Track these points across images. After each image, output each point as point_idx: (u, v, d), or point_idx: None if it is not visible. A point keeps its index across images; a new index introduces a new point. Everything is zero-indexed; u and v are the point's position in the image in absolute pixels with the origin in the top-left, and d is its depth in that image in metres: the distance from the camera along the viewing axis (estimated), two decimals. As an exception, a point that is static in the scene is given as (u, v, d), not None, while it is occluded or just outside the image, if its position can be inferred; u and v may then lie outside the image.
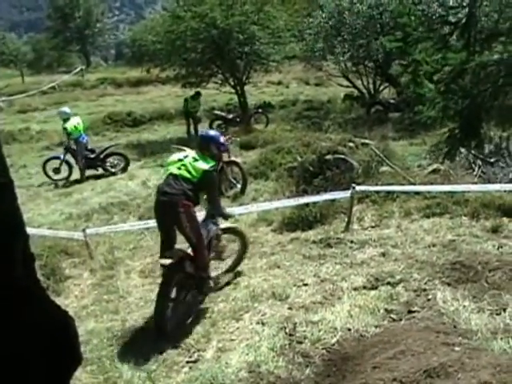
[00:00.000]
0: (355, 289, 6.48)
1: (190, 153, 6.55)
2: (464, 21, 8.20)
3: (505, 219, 8.05)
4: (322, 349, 5.30)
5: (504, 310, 5.52)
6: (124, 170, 15.33)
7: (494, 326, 5.22)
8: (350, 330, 5.55)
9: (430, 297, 6.02)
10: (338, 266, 7.23)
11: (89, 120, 21.88)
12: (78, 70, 39.39)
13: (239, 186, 11.56)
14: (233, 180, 11.64)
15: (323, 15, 20.86)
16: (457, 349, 4.66)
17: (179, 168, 6.35)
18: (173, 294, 6.20)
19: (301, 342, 5.48)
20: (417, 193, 9.22)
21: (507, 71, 7.40)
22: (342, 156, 10.62)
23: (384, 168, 10.41)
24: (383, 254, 7.41)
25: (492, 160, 10.21)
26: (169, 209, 6.20)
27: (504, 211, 8.24)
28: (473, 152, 9.91)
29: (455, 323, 5.37)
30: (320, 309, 6.10)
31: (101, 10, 60.25)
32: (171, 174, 6.36)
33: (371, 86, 22.58)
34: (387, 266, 6.97)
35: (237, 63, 21.01)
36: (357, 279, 6.72)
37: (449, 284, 6.24)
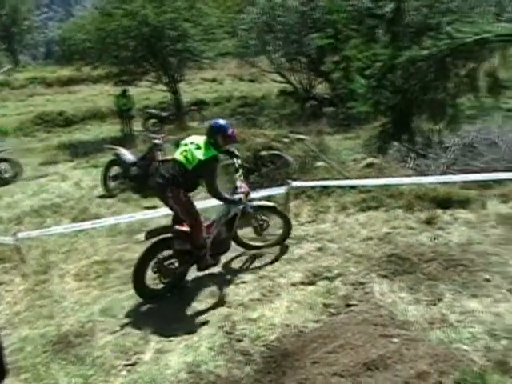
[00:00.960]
0: (293, 284, 6.49)
1: (197, 139, 6.66)
2: (390, 15, 8.29)
3: (438, 211, 8.23)
4: (262, 346, 5.27)
5: (440, 300, 5.63)
6: (14, 177, 14.41)
7: (430, 317, 5.31)
8: (288, 326, 5.55)
9: (367, 290, 6.08)
10: (276, 263, 7.23)
11: (18, 121, 21.27)
12: (5, 69, 38.22)
13: None
14: None
15: (255, 11, 20.83)
16: (395, 340, 4.72)
17: (181, 153, 6.57)
18: (165, 265, 6.64)
19: (240, 340, 5.44)
20: (352, 187, 9.31)
21: (436, 66, 7.52)
22: (277, 152, 10.62)
23: (319, 163, 10.45)
24: (320, 249, 7.45)
25: (424, 152, 10.39)
26: (160, 191, 6.61)
27: (438, 203, 8.44)
28: (406, 145, 10.06)
29: (393, 315, 5.42)
30: (259, 306, 6.08)
31: (27, 7, 58.79)
32: (173, 158, 6.66)
33: (305, 82, 22.68)
34: (324, 261, 7.02)
35: (169, 61, 20.84)
36: (295, 275, 6.74)
37: (385, 276, 6.32)
